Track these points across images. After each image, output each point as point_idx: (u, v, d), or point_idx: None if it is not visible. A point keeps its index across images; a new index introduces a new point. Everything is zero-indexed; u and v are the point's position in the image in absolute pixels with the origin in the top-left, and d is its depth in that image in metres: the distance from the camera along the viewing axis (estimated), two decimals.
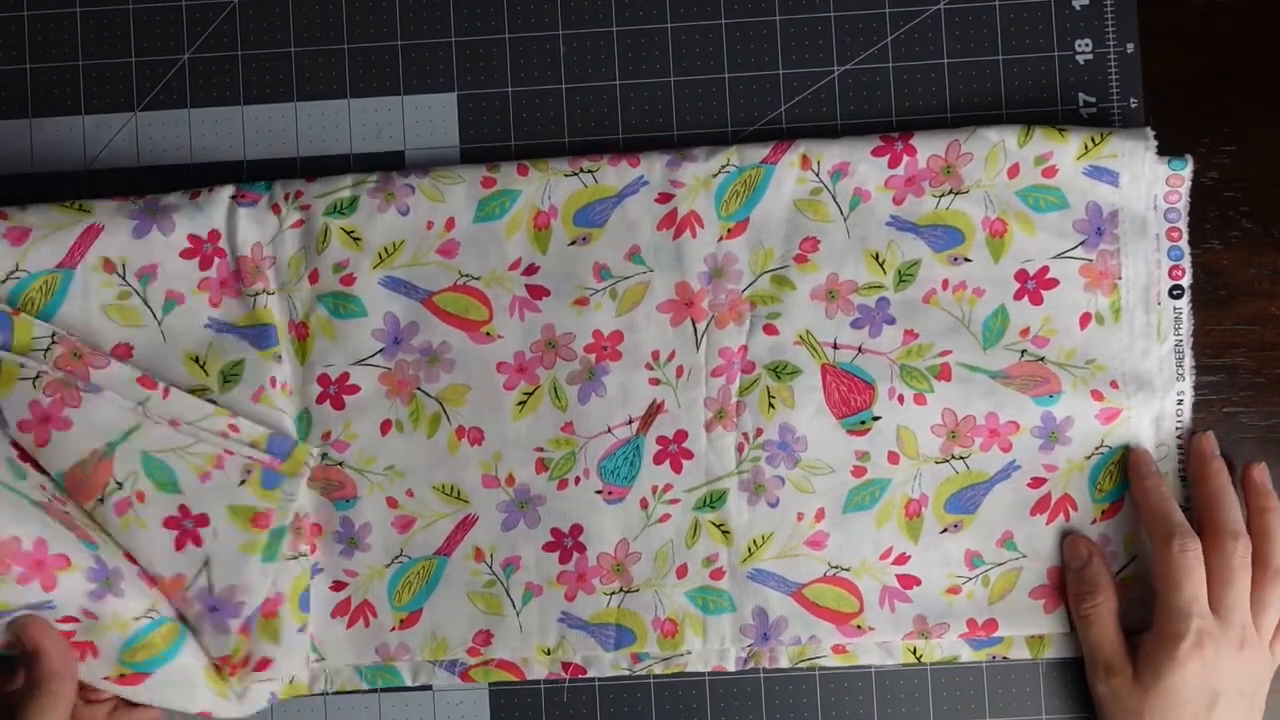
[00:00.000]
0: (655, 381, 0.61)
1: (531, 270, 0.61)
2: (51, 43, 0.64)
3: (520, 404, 0.61)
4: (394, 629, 0.61)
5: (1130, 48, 0.63)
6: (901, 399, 0.61)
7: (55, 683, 0.52)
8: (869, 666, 0.62)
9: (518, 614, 0.61)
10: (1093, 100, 0.63)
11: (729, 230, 0.61)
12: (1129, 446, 0.61)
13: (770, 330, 0.61)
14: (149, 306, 0.60)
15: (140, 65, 0.64)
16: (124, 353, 0.59)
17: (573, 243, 0.61)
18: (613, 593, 0.61)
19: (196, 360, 0.60)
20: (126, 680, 0.55)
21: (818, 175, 0.61)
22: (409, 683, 0.61)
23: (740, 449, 0.61)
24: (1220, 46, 0.63)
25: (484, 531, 0.61)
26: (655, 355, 0.61)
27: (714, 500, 0.61)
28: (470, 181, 0.61)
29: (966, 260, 0.61)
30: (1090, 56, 0.63)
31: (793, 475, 0.61)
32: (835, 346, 0.61)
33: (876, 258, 0.61)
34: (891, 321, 0.61)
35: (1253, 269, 0.63)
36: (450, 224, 0.61)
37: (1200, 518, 0.60)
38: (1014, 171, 0.60)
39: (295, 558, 0.60)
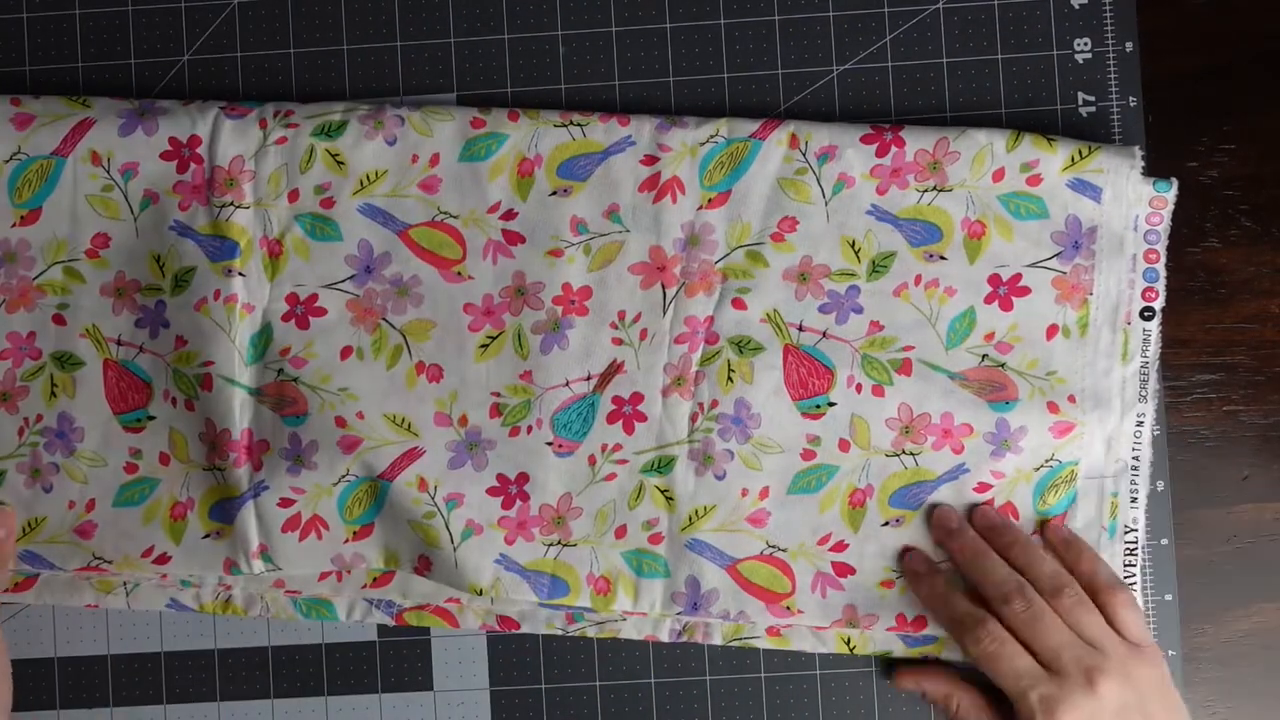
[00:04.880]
0: (618, 341, 0.61)
1: (509, 216, 0.61)
2: (51, 43, 0.64)
3: (483, 347, 0.61)
4: (347, 541, 0.61)
5: (1129, 46, 0.63)
6: (860, 388, 0.61)
7: None
8: (867, 665, 0.62)
9: (454, 549, 0.60)
10: (1091, 99, 0.63)
11: (709, 200, 0.61)
12: (1079, 462, 0.60)
13: (738, 304, 0.61)
14: (127, 201, 0.61)
15: (140, 66, 0.64)
16: (101, 242, 0.61)
17: (554, 193, 0.61)
18: (551, 544, 0.61)
19: (158, 260, 0.61)
20: None
21: (804, 156, 0.61)
22: (343, 618, 0.62)
23: (694, 418, 0.61)
24: (1220, 46, 0.63)
25: (429, 465, 0.61)
26: (621, 315, 0.61)
27: (662, 466, 0.61)
28: (460, 121, 0.61)
29: (942, 258, 0.61)
30: (1089, 55, 0.63)
31: (742, 450, 0.61)
32: (800, 328, 0.61)
33: (853, 245, 0.61)
34: (859, 310, 0.61)
35: (1252, 267, 0.63)
36: (435, 160, 0.61)
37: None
38: (999, 175, 0.60)
39: (211, 469, 0.61)
